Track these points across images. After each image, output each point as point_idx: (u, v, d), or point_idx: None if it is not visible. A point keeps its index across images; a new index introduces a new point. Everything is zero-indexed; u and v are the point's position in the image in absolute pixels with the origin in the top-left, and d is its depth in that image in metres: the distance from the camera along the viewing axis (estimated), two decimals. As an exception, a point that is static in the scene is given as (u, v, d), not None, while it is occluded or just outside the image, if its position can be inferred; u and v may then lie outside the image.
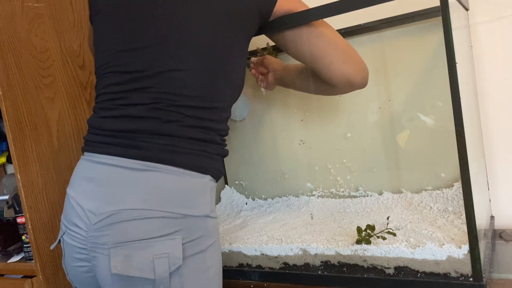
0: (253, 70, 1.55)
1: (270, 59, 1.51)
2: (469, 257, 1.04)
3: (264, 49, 1.62)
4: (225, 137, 1.15)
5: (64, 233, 1.11)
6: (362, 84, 1.25)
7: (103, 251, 1.00)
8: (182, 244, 1.00)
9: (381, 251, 1.16)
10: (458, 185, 1.41)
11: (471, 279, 1.05)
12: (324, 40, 1.20)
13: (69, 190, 1.11)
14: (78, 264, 1.09)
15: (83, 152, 1.14)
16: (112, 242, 0.99)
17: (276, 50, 1.61)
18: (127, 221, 0.99)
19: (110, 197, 1.01)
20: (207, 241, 1.05)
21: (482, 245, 1.11)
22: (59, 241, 1.16)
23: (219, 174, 1.12)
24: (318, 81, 1.27)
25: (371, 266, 1.18)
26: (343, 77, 1.21)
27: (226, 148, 1.15)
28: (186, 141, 1.05)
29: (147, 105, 1.04)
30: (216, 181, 1.12)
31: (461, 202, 1.28)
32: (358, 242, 1.21)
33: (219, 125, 1.11)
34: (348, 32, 1.51)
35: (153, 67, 1.04)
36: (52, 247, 1.19)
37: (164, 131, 1.03)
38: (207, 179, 1.08)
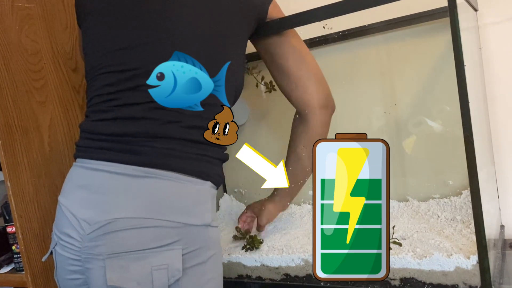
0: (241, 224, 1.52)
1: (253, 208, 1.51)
2: (478, 268, 1.03)
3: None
4: None
5: (56, 244, 1.09)
6: (332, 107, 1.29)
7: (97, 262, 0.98)
8: (182, 255, 0.98)
9: (386, 262, 1.16)
10: (466, 193, 1.40)
11: (480, 290, 1.04)
12: (304, 66, 1.24)
13: (61, 199, 1.09)
14: (71, 276, 1.07)
15: (75, 158, 1.11)
16: (107, 252, 0.97)
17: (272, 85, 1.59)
18: (124, 231, 0.97)
19: (105, 205, 0.99)
20: (207, 252, 1.03)
21: (492, 255, 1.10)
22: (51, 252, 1.13)
23: (220, 180, 1.11)
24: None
25: (376, 278, 1.18)
26: (308, 104, 1.25)
27: (226, 152, 1.14)
28: (186, 144, 1.03)
29: (144, 104, 1.01)
30: (217, 188, 1.11)
31: (470, 210, 1.25)
32: (363, 252, 1.20)
33: None
34: (352, 34, 1.51)
35: (148, 64, 1.01)
36: (43, 259, 1.17)
37: (163, 134, 1.02)
38: (207, 185, 1.06)
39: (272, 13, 1.19)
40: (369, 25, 1.48)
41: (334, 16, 1.14)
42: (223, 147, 1.12)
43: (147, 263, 0.96)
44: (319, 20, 1.16)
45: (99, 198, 1.01)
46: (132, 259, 0.96)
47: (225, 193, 1.88)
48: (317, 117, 1.26)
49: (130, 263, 0.96)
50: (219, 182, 1.11)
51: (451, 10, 0.99)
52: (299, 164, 1.33)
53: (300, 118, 1.30)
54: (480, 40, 1.41)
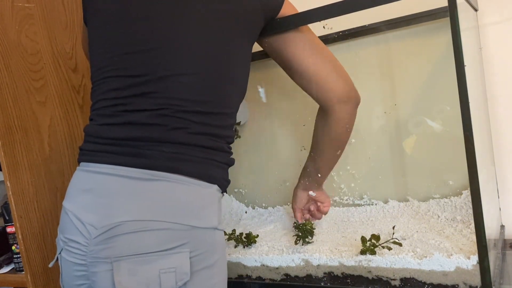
0: (300, 220, 1.47)
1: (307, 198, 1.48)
2: (478, 268, 1.02)
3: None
4: (231, 145, 1.13)
5: (62, 249, 1.07)
6: (355, 100, 1.24)
7: (104, 266, 0.97)
8: (190, 258, 0.97)
9: (386, 262, 1.15)
10: (466, 193, 1.39)
11: (480, 291, 1.03)
12: (318, 53, 1.21)
13: (65, 203, 1.07)
14: (78, 282, 1.05)
15: (79, 162, 1.10)
16: (114, 255, 0.95)
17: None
18: (131, 233, 0.96)
19: (111, 208, 0.98)
20: (214, 255, 1.02)
21: (492, 255, 1.10)
22: (57, 258, 1.11)
23: (226, 184, 1.10)
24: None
25: (376, 278, 1.17)
26: (337, 90, 1.20)
27: (232, 157, 1.13)
28: (193, 148, 1.02)
29: (153, 111, 1.01)
30: (222, 192, 1.10)
31: (470, 210, 1.27)
32: (363, 252, 1.19)
33: (226, 132, 1.09)
34: (352, 34, 1.50)
35: (157, 71, 1.01)
36: (50, 265, 1.16)
37: (171, 139, 1.01)
38: (214, 189, 1.05)
39: (285, 14, 1.17)
40: (369, 25, 1.47)
41: (334, 16, 1.13)
42: (230, 152, 1.11)
43: (155, 266, 0.95)
44: (319, 20, 1.15)
45: (104, 201, 0.99)
46: (140, 262, 0.95)
47: (225, 193, 1.85)
48: (341, 111, 1.22)
49: (138, 266, 0.95)
50: (225, 186, 1.10)
51: (451, 10, 0.98)
52: (322, 159, 1.34)
53: (323, 112, 1.26)
54: (480, 40, 1.40)
